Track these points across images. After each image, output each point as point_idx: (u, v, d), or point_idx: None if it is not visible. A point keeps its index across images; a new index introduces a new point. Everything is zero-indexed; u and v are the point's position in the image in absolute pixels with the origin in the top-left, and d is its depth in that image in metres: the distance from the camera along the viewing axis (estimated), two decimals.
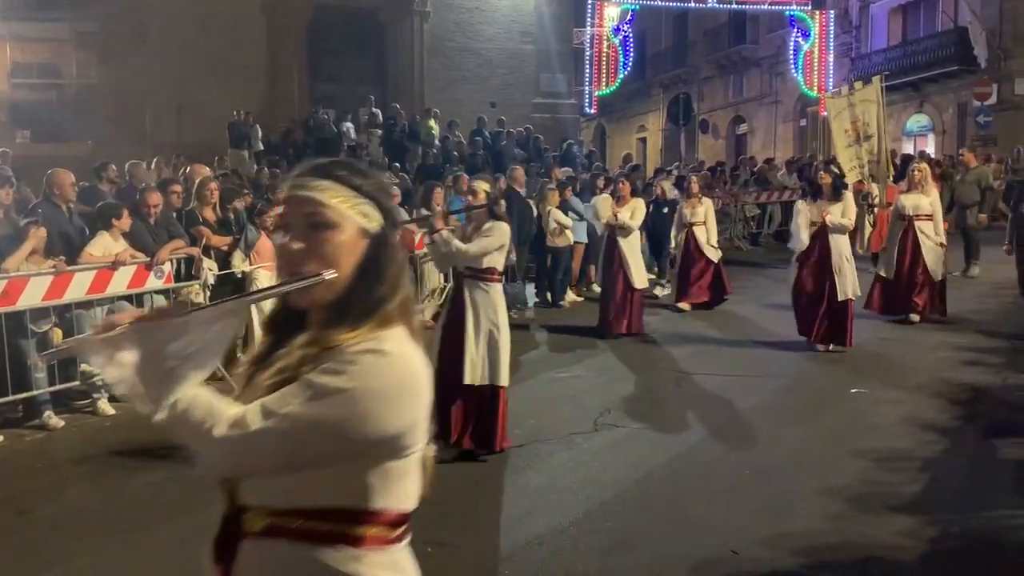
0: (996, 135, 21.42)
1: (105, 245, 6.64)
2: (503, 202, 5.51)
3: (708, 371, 7.31)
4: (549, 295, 10.97)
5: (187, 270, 7.29)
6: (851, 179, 12.56)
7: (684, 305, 10.30)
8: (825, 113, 13.56)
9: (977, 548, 3.96)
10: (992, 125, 21.59)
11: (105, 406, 6.51)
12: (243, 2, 22.75)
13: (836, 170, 8.11)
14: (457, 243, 5.07)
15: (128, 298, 6.73)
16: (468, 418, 5.18)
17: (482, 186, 5.35)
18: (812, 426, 5.83)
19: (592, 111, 27.60)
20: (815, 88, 24.81)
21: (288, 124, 20.65)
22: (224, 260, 7.56)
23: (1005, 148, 19.69)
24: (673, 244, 10.85)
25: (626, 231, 8.70)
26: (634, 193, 9.05)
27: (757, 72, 30.90)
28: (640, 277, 8.83)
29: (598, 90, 25.36)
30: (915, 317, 8.82)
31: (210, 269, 7.27)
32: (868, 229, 11.82)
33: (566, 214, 10.92)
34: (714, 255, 10.33)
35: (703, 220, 10.35)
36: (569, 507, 4.51)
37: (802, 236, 7.78)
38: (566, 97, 26.90)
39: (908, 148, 24.36)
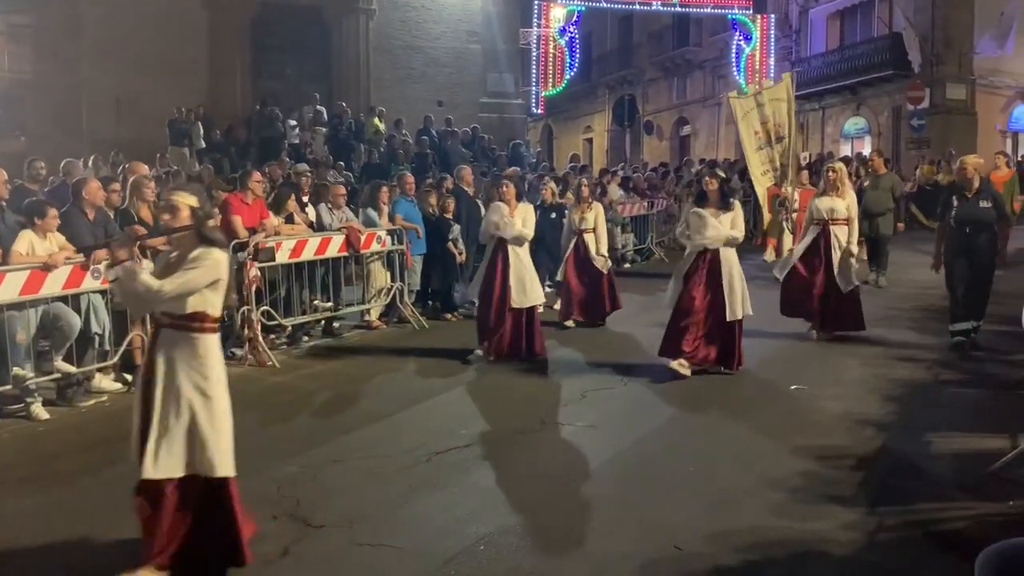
0: (929, 138, 22.09)
1: (30, 244, 6.44)
2: (213, 222, 4.07)
3: (652, 368, 7.37)
4: None
5: None
6: (765, 183, 12.24)
7: (569, 323, 9.44)
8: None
9: (915, 540, 4.07)
10: (925, 128, 22.27)
11: (39, 410, 6.32)
12: None
13: (723, 174, 7.32)
14: (146, 278, 3.67)
15: (63, 299, 6.54)
16: (176, 529, 3.72)
17: (185, 200, 3.79)
18: (753, 422, 5.93)
19: (539, 111, 27.68)
20: None
21: (230, 121, 20.31)
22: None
23: (938, 151, 20.34)
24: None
25: (520, 240, 7.81)
26: (519, 197, 8.15)
27: (700, 74, 31.36)
28: (535, 294, 7.87)
29: (545, 90, 25.44)
30: (814, 332, 8.31)
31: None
32: (788, 236, 11.34)
33: None
34: (603, 265, 9.55)
35: (592, 227, 9.56)
36: (515, 506, 4.52)
37: (697, 239, 7.00)
38: (513, 97, 26.95)
39: (846, 150, 25.01)
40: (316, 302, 9.13)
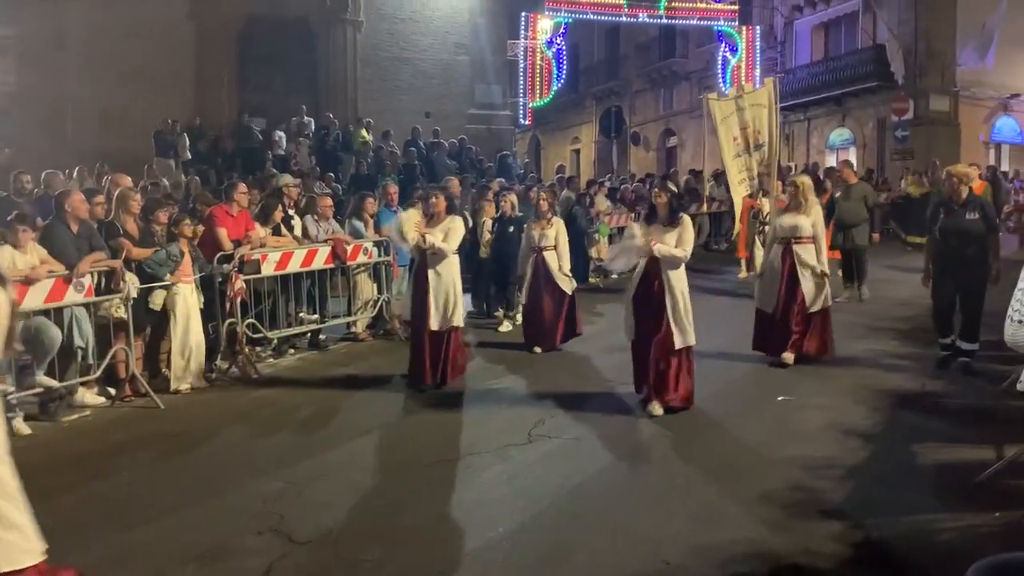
0: (913, 149, 22.26)
1: (11, 258, 6.37)
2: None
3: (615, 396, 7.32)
4: (485, 306, 10.94)
5: (108, 283, 7.04)
6: (741, 192, 11.77)
7: (537, 349, 8.80)
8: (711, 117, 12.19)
9: (901, 552, 4.06)
10: (909, 139, 22.43)
11: (20, 425, 6.24)
12: (170, 9, 22.22)
13: (673, 188, 6.71)
14: None
15: (46, 312, 6.47)
16: None
17: None
18: (740, 433, 5.93)
19: (526, 122, 27.79)
20: None
21: (217, 133, 20.25)
22: (139, 270, 7.32)
23: (922, 161, 20.48)
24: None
25: (438, 256, 7.25)
26: (450, 210, 7.49)
27: (687, 86, 31.51)
28: (456, 316, 7.32)
29: (532, 102, 25.56)
30: (788, 358, 7.63)
31: (132, 282, 7.05)
32: (760, 252, 10.73)
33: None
34: (567, 285, 8.91)
35: (553, 244, 8.92)
36: (502, 520, 4.48)
37: (617, 262, 6.62)
38: (500, 108, 27.03)
39: (831, 161, 25.12)
40: (302, 314, 9.09)
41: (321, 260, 9.07)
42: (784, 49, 27.56)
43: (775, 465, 5.20)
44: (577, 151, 37.83)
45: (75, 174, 14.42)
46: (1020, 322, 5.30)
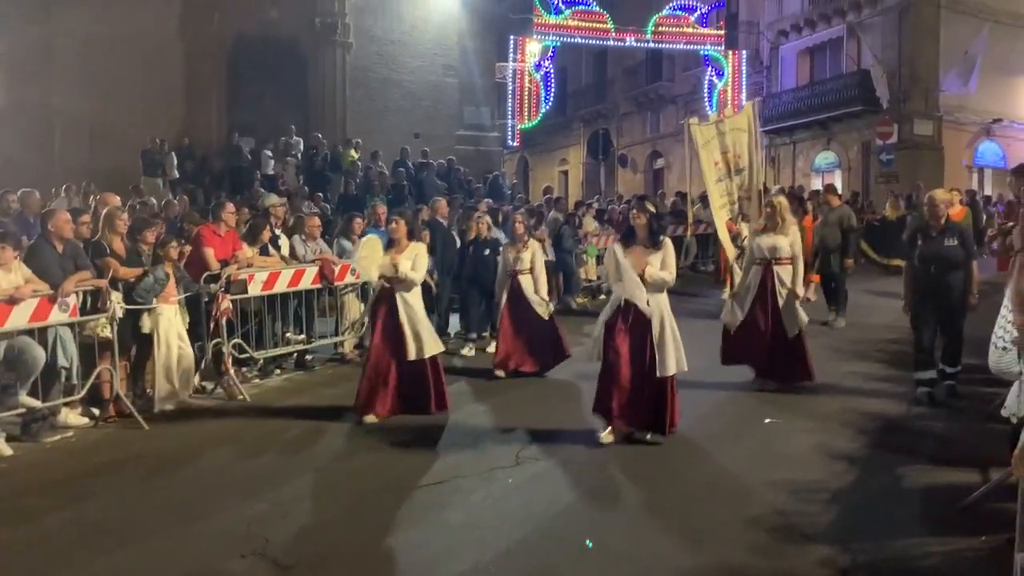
0: (898, 172, 22.48)
1: None
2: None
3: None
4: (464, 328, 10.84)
5: (94, 303, 7.00)
6: (722, 217, 11.75)
7: (500, 372, 8.52)
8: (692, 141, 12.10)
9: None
10: (894, 163, 22.66)
11: (2, 446, 6.19)
12: (160, 26, 22.28)
13: (653, 208, 6.32)
14: None
15: (30, 332, 6.42)
16: None
17: None
18: (727, 456, 5.93)
19: (515, 144, 27.92)
20: None
21: (204, 152, 20.25)
22: (127, 295, 7.27)
23: (907, 184, 20.68)
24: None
25: (406, 285, 6.92)
26: (411, 235, 7.20)
27: (673, 109, 31.76)
28: (432, 343, 7.00)
29: (520, 124, 25.70)
30: (761, 383, 7.68)
31: (118, 302, 7.01)
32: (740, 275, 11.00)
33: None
34: (544, 310, 8.67)
35: (529, 267, 8.71)
36: (489, 544, 4.46)
37: (618, 287, 6.17)
38: (489, 130, 27.17)
39: (817, 184, 25.32)
40: (289, 334, 9.05)
41: (308, 280, 9.05)
42: (770, 73, 27.86)
43: (761, 489, 5.20)
44: (565, 172, 38.01)
45: (62, 192, 14.38)
46: (1004, 348, 5.34)
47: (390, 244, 7.02)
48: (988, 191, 24.12)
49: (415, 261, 6.95)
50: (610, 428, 6.12)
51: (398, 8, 25.71)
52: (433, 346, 7.01)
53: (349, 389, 8.30)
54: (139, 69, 21.50)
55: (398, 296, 6.89)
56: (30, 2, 21.41)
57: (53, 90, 21.35)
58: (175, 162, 18.86)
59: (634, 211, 6.32)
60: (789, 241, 7.63)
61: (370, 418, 6.85)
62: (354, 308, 9.75)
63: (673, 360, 6.03)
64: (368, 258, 6.90)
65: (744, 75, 26.65)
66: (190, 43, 23.26)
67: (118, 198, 9.19)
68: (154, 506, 5.15)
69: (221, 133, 22.67)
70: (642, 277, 5.98)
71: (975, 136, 24.77)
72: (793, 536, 4.48)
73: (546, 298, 8.78)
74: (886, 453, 5.89)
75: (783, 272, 7.60)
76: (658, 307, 6.06)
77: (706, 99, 26.80)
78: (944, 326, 7.17)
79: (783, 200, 7.99)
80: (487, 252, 9.85)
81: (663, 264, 6.06)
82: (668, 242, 6.20)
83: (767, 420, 6.77)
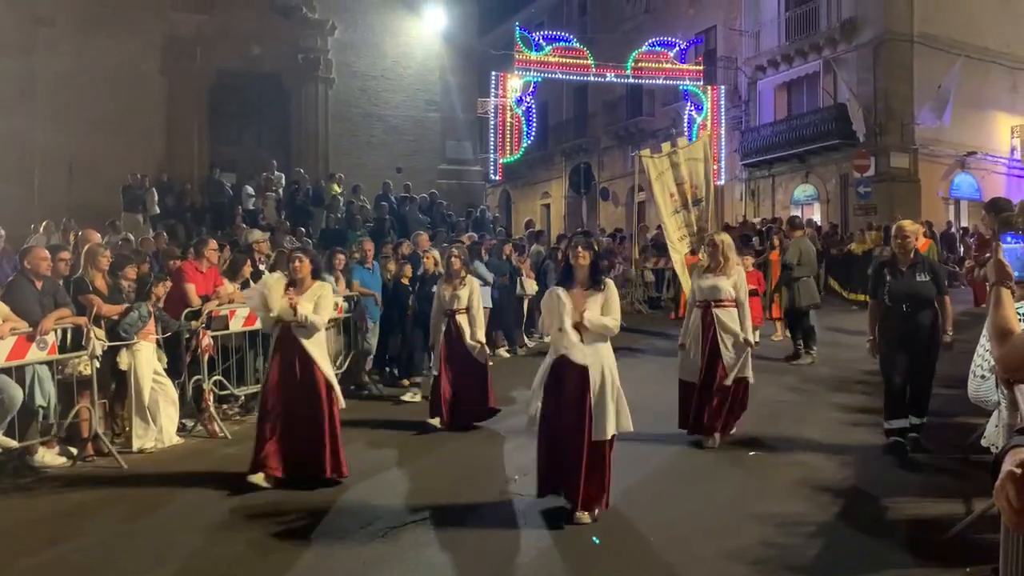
0: (876, 204, 22.76)
1: None
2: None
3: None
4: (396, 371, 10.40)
5: (75, 340, 6.93)
6: (682, 249, 11.33)
7: (435, 420, 7.83)
8: (644, 173, 11.66)
9: None
10: (871, 195, 22.94)
11: None
12: (142, 61, 22.35)
13: (597, 247, 5.66)
14: None
15: (7, 371, 6.34)
16: None
17: None
18: (712, 489, 5.92)
19: (497, 177, 28.06)
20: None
21: (183, 187, 20.23)
22: (111, 331, 7.22)
23: (885, 217, 20.92)
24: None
25: (308, 330, 6.10)
26: (315, 275, 6.38)
27: (654, 143, 31.90)
28: (337, 393, 6.26)
29: (503, 157, 25.85)
30: (712, 441, 6.86)
31: (99, 339, 6.94)
32: None
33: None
34: (480, 354, 7.96)
35: (465, 306, 7.95)
36: None
37: (556, 337, 5.30)
38: (471, 164, 27.36)
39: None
40: None
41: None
42: (748, 108, 28.25)
43: (747, 521, 5.18)
44: (547, 206, 38.19)
45: (42, 228, 14.29)
46: (983, 377, 5.39)
47: (291, 284, 6.24)
48: (964, 223, 24.46)
49: (318, 303, 6.17)
50: (585, 511, 5.18)
51: (381, 44, 25.96)
52: (340, 399, 6.30)
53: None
54: (120, 104, 21.53)
55: (301, 342, 6.08)
56: (11, 37, 21.42)
57: (33, 125, 21.28)
58: (156, 198, 18.84)
59: (578, 249, 5.42)
60: (732, 283, 6.95)
61: (257, 478, 6.01)
62: (336, 343, 9.70)
63: (613, 421, 5.20)
64: (268, 298, 6.17)
65: (723, 109, 27.00)
66: (172, 78, 23.34)
67: (99, 236, 9.15)
68: (132, 547, 5.06)
69: (202, 168, 22.68)
70: (581, 324, 5.20)
71: (950, 168, 25.17)
72: (779, 570, 4.46)
73: (482, 341, 8.02)
74: (870, 484, 5.90)
75: (724, 316, 6.89)
76: (598, 358, 5.24)
77: (686, 133, 27.10)
78: (915, 372, 6.48)
79: (726, 238, 7.30)
80: (434, 290, 8.72)
81: (606, 308, 5.28)
82: (611, 284, 5.48)
83: (751, 453, 6.77)
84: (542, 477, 5.36)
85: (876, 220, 20.86)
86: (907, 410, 6.55)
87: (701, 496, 5.82)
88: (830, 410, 8.15)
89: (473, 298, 8.03)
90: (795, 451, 6.81)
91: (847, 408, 8.23)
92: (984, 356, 5.45)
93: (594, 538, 4.42)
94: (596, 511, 5.20)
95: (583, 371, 5.19)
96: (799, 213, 26.03)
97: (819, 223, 23.70)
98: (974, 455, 6.18)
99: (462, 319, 7.94)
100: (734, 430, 7.09)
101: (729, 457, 6.73)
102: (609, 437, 5.21)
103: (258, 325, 8.53)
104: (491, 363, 8.27)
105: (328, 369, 6.27)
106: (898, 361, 6.50)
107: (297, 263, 6.30)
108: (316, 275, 6.41)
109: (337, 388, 6.27)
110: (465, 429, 7.77)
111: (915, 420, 6.57)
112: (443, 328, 7.97)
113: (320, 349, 6.25)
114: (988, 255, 7.54)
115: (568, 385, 5.24)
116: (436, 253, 9.99)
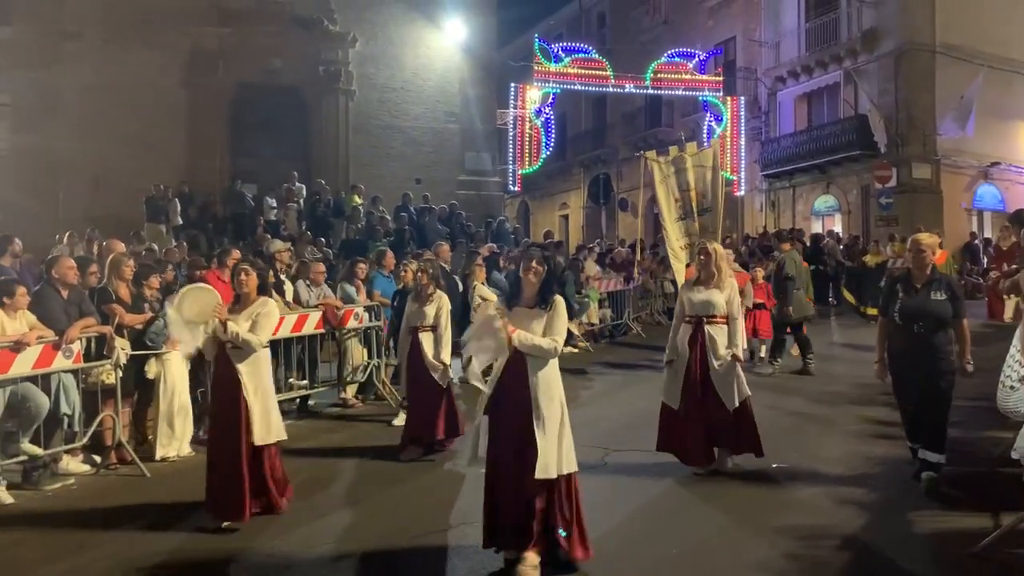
0: (897, 216, 22.57)
1: (0, 324, 6.34)
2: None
3: (630, 447, 7.29)
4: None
5: (98, 349, 7.00)
6: (684, 259, 11.01)
7: (412, 450, 7.25)
8: (651, 174, 11.27)
9: None
10: (893, 206, 22.76)
11: (3, 494, 6.15)
12: (164, 76, 22.60)
13: (553, 264, 4.88)
14: None
15: (33, 379, 6.41)
16: None
17: None
18: (735, 502, 5.87)
19: (516, 188, 28.11)
20: (728, 169, 25.84)
21: (206, 198, 20.42)
22: (137, 339, 7.29)
23: (907, 228, 20.75)
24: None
25: (244, 351, 5.55)
26: (262, 290, 5.85)
27: None
28: (277, 427, 5.68)
29: (521, 169, 25.89)
30: (699, 470, 6.43)
31: (123, 348, 7.01)
32: None
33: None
34: (442, 376, 7.28)
35: (431, 324, 7.36)
36: None
37: (472, 349, 4.66)
38: (490, 175, 27.43)
39: (817, 227, 25.48)
40: (291, 380, 9.02)
41: (311, 325, 9.06)
42: (768, 119, 28.15)
43: (771, 533, 5.14)
44: (566, 216, 38.22)
45: (65, 239, 14.45)
46: (1012, 387, 5.31)
47: (236, 299, 5.77)
48: (988, 234, 24.21)
49: (256, 321, 5.59)
50: (530, 551, 4.49)
51: (400, 56, 26.12)
52: (280, 430, 5.74)
53: (353, 434, 8.30)
54: (143, 117, 21.82)
55: (238, 365, 5.54)
56: (36, 51, 21.76)
57: (57, 137, 21.58)
58: (179, 208, 19.03)
59: (532, 263, 4.69)
60: (725, 297, 6.44)
61: (228, 524, 5.47)
62: (357, 353, 9.74)
63: (552, 457, 4.45)
64: (194, 312, 5.59)
65: (743, 120, 26.92)
66: (194, 91, 23.58)
67: (123, 245, 9.24)
68: (155, 557, 5.08)
69: (224, 180, 22.89)
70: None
71: (973, 179, 24.94)
72: None
73: (446, 362, 7.33)
74: (894, 498, 5.84)
75: (715, 332, 6.39)
76: (541, 384, 4.54)
77: (706, 144, 27.06)
78: (928, 401, 5.87)
79: (719, 248, 6.71)
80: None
81: (547, 328, 4.59)
82: (559, 301, 4.69)
83: (774, 465, 6.71)
84: (487, 527, 4.62)
85: (898, 231, 20.68)
86: (924, 440, 5.99)
87: (724, 507, 5.77)
88: (852, 422, 8.08)
89: (441, 316, 7.39)
90: (817, 463, 6.75)
91: (870, 420, 8.15)
92: (1013, 366, 5.37)
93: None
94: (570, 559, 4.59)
95: (525, 400, 4.51)
96: (820, 224, 25.93)
97: (840, 234, 23.55)
98: (1002, 467, 6.10)
99: (424, 337, 7.34)
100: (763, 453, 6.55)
101: (752, 469, 6.67)
102: (553, 476, 4.45)
103: (280, 334, 8.56)
104: (456, 389, 7.63)
105: (261, 398, 5.58)
106: (908, 389, 6.01)
107: (243, 276, 5.72)
108: (263, 290, 5.86)
109: (273, 419, 5.63)
110: (429, 451, 7.24)
111: (934, 457, 5.91)
112: (408, 345, 7.42)
113: (254, 374, 5.57)
114: (1015, 266, 7.33)
115: (512, 418, 4.54)
116: (415, 265, 8.77)
